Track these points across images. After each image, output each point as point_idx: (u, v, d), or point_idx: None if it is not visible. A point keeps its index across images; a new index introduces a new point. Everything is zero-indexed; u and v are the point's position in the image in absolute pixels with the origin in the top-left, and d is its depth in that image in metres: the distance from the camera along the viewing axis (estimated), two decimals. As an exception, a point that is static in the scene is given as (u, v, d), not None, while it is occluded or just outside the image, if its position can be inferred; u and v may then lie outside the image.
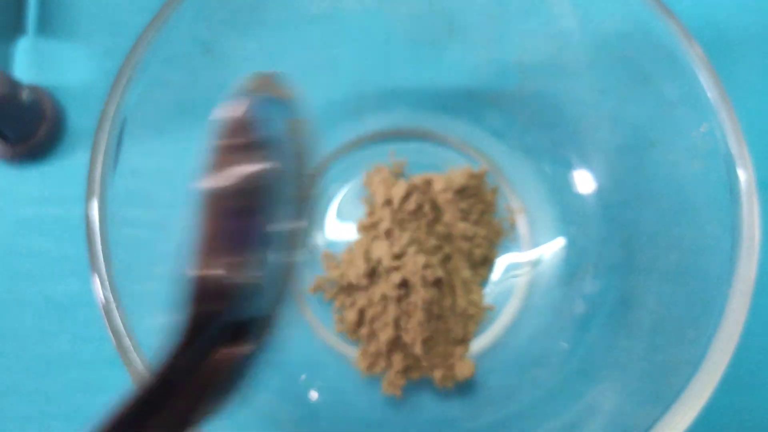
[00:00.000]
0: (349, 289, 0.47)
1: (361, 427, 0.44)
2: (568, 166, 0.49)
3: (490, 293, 0.49)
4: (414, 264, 0.44)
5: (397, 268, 0.45)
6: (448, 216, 0.47)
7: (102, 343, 0.47)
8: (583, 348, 0.44)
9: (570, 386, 0.42)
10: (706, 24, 0.53)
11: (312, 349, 0.47)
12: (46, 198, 0.49)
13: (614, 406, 0.39)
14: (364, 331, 0.46)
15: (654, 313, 0.42)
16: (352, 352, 0.47)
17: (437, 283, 0.45)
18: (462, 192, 0.48)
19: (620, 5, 0.42)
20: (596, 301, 0.46)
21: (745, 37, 0.53)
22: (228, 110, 0.27)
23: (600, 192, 0.48)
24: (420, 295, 0.44)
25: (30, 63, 0.52)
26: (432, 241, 0.46)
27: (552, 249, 0.49)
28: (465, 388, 0.46)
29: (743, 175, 0.38)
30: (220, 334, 0.25)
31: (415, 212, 0.47)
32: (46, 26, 0.53)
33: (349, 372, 0.46)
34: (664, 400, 0.36)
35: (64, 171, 0.50)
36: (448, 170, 0.50)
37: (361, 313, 0.46)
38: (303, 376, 0.45)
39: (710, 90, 0.40)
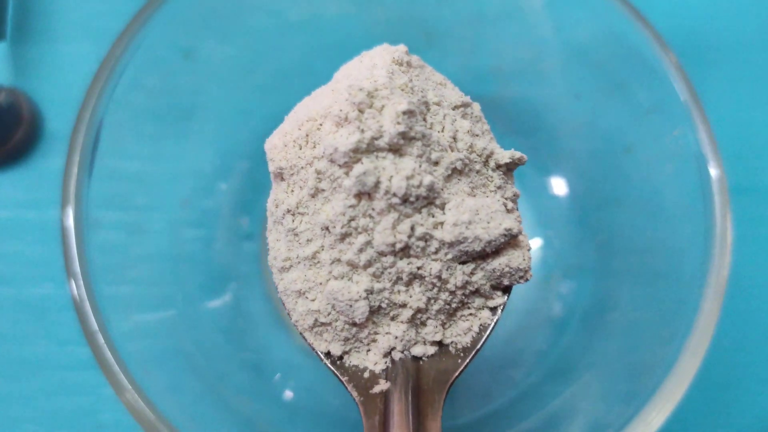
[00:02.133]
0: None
1: (337, 428, 0.44)
2: (545, 171, 0.50)
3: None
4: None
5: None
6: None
7: (78, 345, 0.47)
8: (558, 349, 0.44)
9: (545, 386, 0.42)
10: (680, 32, 0.54)
11: (289, 350, 0.47)
12: (23, 202, 0.49)
13: (589, 406, 0.40)
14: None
15: (628, 314, 0.43)
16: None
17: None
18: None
19: (595, 13, 0.43)
20: (572, 302, 0.46)
21: (719, 44, 0.54)
22: None
23: (576, 195, 0.48)
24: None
25: (8, 66, 0.52)
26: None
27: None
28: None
29: (715, 175, 0.39)
30: None
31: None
32: (25, 30, 0.53)
33: (325, 373, 0.46)
34: (638, 399, 0.36)
35: (41, 174, 0.49)
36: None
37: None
38: (278, 376, 0.45)
39: (683, 94, 0.41)
